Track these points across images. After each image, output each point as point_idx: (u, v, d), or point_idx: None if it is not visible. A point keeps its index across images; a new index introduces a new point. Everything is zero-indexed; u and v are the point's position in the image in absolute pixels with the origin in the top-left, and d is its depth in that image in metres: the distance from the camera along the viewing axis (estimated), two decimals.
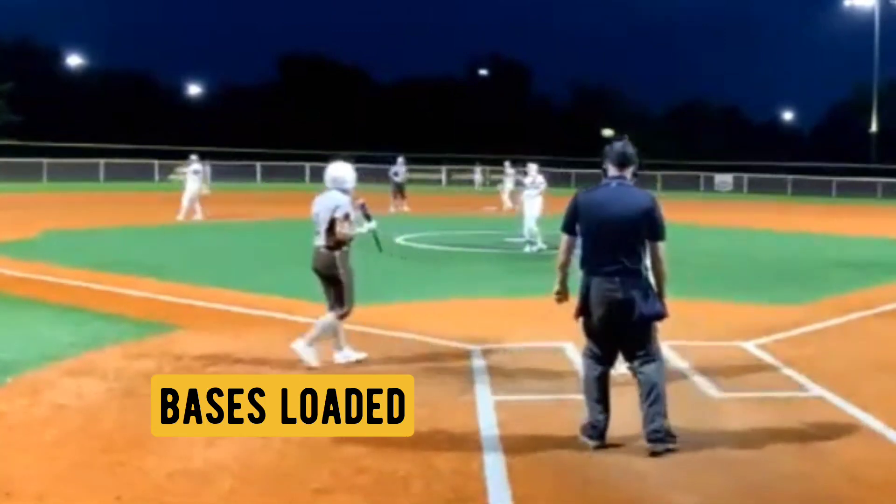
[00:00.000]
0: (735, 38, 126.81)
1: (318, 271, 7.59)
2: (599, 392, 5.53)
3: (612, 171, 5.58)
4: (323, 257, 7.48)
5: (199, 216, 23.40)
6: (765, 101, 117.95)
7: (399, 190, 29.93)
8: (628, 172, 5.58)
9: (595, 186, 5.68)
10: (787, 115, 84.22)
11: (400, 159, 31.03)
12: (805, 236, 22.51)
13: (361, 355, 7.59)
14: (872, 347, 8.68)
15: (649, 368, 5.46)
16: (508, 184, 31.51)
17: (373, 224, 7.96)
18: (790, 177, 52.85)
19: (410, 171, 34.32)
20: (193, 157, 25.01)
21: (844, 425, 6.02)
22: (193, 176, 24.09)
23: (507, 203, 30.04)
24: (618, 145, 5.65)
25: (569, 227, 5.59)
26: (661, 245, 5.47)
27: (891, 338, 9.26)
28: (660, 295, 5.49)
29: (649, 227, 5.42)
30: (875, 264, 16.05)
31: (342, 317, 7.53)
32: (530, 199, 17.50)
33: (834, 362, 7.91)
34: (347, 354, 7.54)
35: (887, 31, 56.91)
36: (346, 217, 7.39)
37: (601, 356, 5.59)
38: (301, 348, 7.38)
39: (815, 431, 5.85)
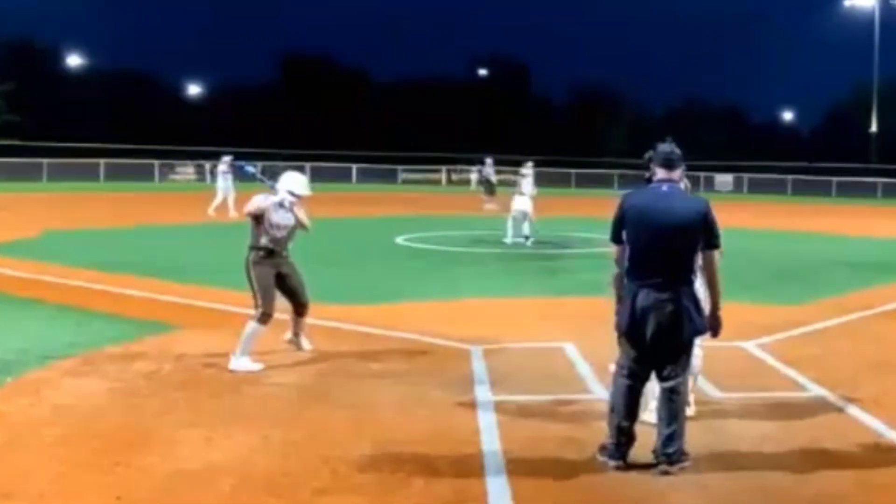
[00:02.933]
0: (735, 37, 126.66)
1: None
2: (629, 412, 5.15)
3: (659, 173, 5.17)
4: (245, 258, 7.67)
5: (232, 213, 23.52)
6: (765, 101, 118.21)
7: (490, 189, 30.68)
8: (677, 174, 5.20)
9: (643, 189, 5.26)
10: (787, 115, 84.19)
11: (489, 160, 31.87)
12: (805, 236, 22.49)
13: (257, 367, 7.31)
14: (872, 347, 8.68)
15: (681, 394, 5.18)
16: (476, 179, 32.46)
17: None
18: (790, 177, 52.76)
19: (411, 170, 34.67)
20: (226, 158, 25.64)
21: (846, 425, 6.03)
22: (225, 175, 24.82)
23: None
24: (663, 146, 5.26)
25: (618, 237, 5.19)
26: (717, 254, 5.17)
27: (891, 338, 9.26)
28: (715, 307, 5.18)
29: (705, 234, 5.06)
30: (875, 264, 16.06)
31: (259, 320, 7.42)
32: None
33: (834, 362, 7.91)
34: (242, 364, 7.28)
35: (887, 31, 56.89)
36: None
37: (638, 374, 5.17)
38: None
39: (816, 432, 5.85)
